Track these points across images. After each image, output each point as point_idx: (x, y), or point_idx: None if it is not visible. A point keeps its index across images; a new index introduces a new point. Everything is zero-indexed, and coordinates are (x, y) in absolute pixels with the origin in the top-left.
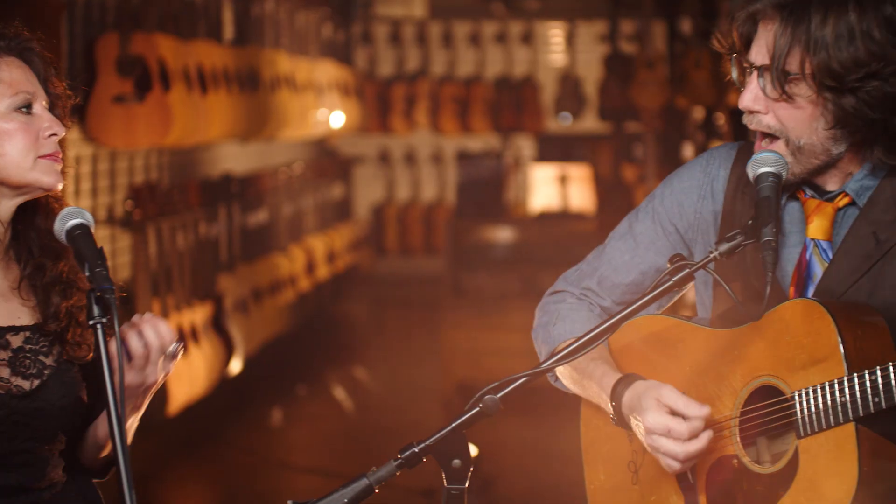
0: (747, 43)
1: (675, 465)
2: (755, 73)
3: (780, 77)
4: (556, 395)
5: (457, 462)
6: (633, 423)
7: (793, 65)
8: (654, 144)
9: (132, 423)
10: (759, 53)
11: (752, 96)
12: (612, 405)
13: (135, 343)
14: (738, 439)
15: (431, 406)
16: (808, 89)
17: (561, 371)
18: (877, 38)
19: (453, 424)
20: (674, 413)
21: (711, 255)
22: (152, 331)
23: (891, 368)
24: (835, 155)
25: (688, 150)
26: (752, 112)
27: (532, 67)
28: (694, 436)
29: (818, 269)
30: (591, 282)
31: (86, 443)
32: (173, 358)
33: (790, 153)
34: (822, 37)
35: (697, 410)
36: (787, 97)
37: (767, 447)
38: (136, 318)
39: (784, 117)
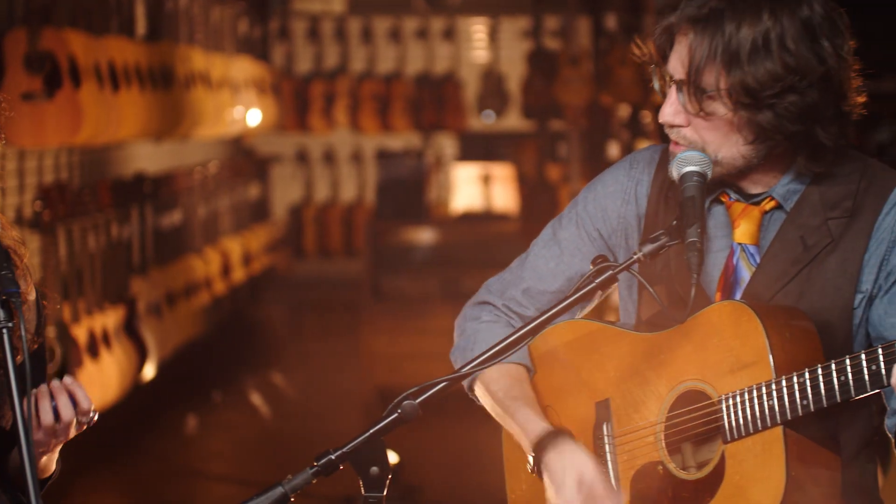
0: (665, 55)
1: None
2: (674, 87)
3: (696, 94)
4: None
5: (374, 469)
6: (549, 484)
7: (708, 81)
8: (578, 143)
9: (47, 461)
10: (677, 67)
11: (672, 111)
12: (532, 456)
13: (46, 416)
14: (664, 445)
15: (351, 412)
16: (724, 107)
17: (482, 397)
18: (793, 49)
19: (370, 431)
20: (591, 497)
21: (635, 257)
22: (67, 403)
23: (819, 371)
24: (755, 163)
25: (613, 149)
26: (672, 126)
27: (454, 64)
28: None
29: (745, 274)
30: (515, 291)
31: (10, 462)
32: (88, 424)
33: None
34: (736, 52)
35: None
36: (705, 114)
37: (694, 453)
38: (54, 383)
39: (703, 131)
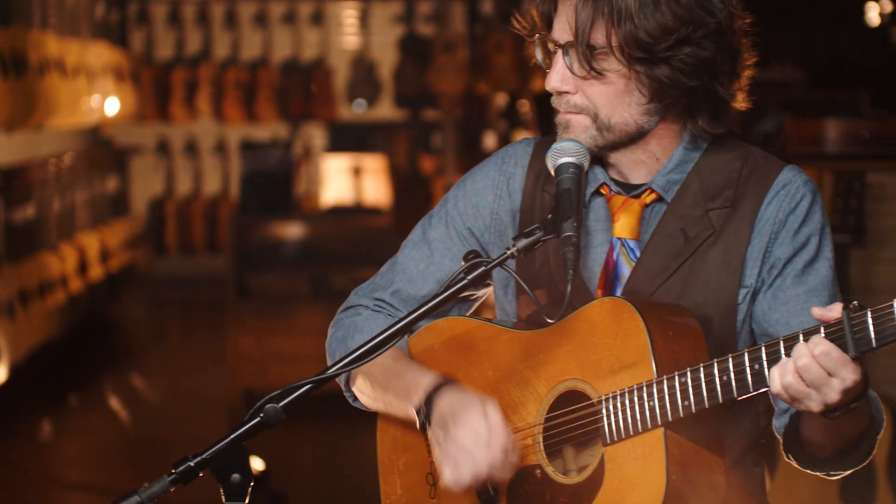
0: (549, 21)
1: (457, 486)
2: (560, 52)
3: (586, 53)
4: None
5: (236, 476)
6: (443, 426)
7: (598, 38)
8: (453, 133)
9: None
10: (563, 30)
11: (560, 77)
12: (424, 404)
13: None
14: (542, 448)
15: (215, 416)
16: (618, 63)
17: (361, 381)
18: (682, 1)
19: (231, 436)
20: (496, 429)
21: (509, 252)
22: None
23: (701, 370)
24: (646, 129)
25: (490, 140)
26: (560, 93)
27: (323, 50)
28: (495, 467)
29: (626, 270)
30: (384, 293)
31: None
32: None
33: (596, 128)
34: (625, 5)
35: (507, 441)
36: (597, 73)
37: (574, 456)
38: None
39: (594, 95)
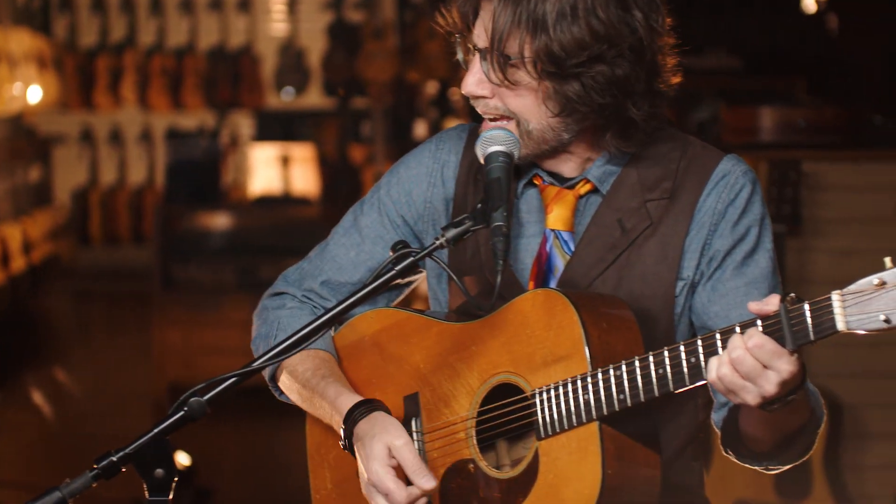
0: (469, 23)
1: None
2: (478, 56)
3: (500, 62)
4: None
5: (160, 471)
6: (360, 454)
7: (512, 48)
8: (383, 122)
9: None
10: (480, 35)
11: (476, 80)
12: (343, 429)
13: None
14: (475, 442)
15: (140, 411)
16: (528, 75)
17: (286, 385)
18: (602, 17)
19: (154, 430)
20: (400, 471)
21: (437, 242)
22: None
23: (637, 364)
24: (566, 140)
25: (420, 128)
26: (476, 97)
27: (251, 37)
28: None
29: (559, 262)
30: (314, 283)
31: None
32: None
33: (520, 136)
34: (542, 16)
35: (422, 481)
36: (510, 83)
37: (508, 450)
38: None
39: (510, 103)
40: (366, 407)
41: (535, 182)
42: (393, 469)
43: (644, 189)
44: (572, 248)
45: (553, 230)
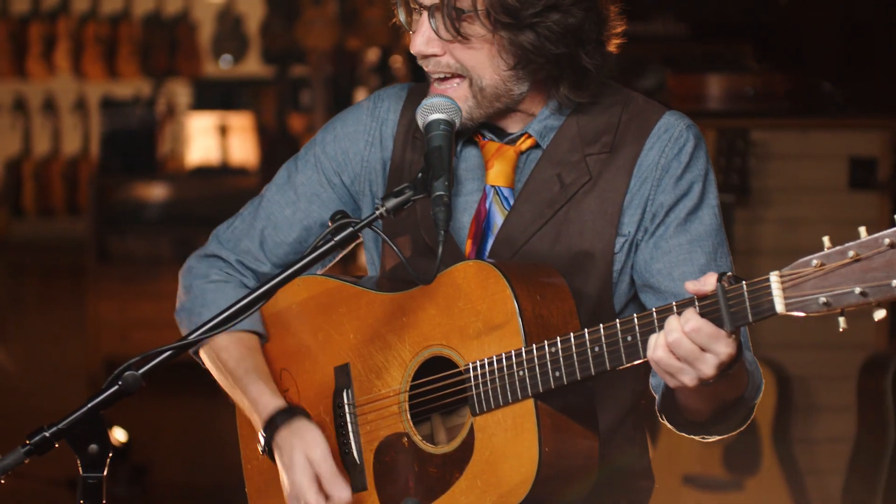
0: None
1: None
2: (426, 15)
3: (451, 16)
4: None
5: (94, 447)
6: (280, 464)
7: (464, 2)
8: (323, 90)
9: None
10: None
11: (425, 39)
12: (263, 436)
13: None
14: (409, 416)
15: (75, 386)
16: (482, 27)
17: (210, 365)
18: None
19: (88, 405)
20: (318, 481)
21: (377, 213)
22: None
23: (573, 341)
24: (517, 95)
25: (361, 96)
26: (426, 56)
27: (187, 4)
28: None
29: (499, 219)
30: (249, 243)
31: None
32: None
33: (472, 95)
34: None
35: (339, 493)
36: (462, 38)
37: (443, 424)
38: None
39: (462, 58)
40: (286, 414)
41: (475, 139)
42: (313, 480)
43: (584, 143)
44: (512, 204)
45: (493, 186)
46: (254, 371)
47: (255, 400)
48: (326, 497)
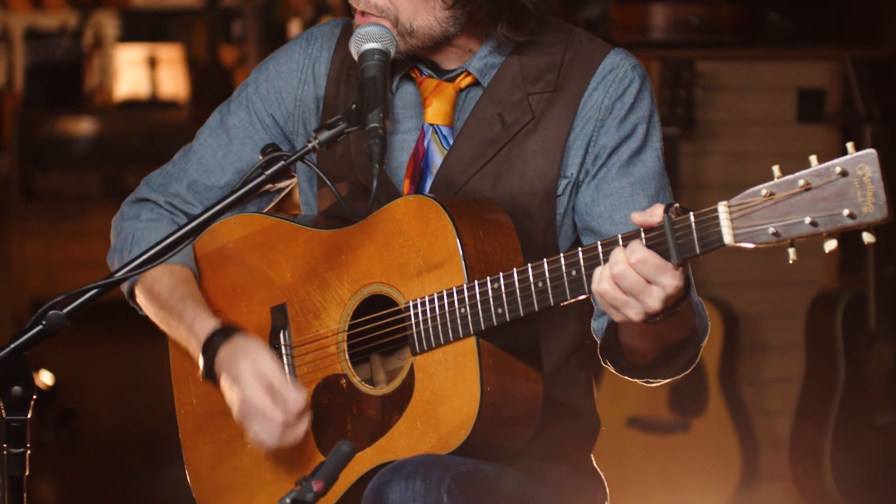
0: None
1: (263, 448)
2: None
3: None
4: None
5: (17, 389)
6: (226, 383)
7: None
8: (255, 21)
9: None
10: None
11: None
12: (202, 358)
13: None
14: (347, 357)
15: (1, 327)
16: None
17: (144, 301)
18: None
19: (11, 345)
20: (271, 389)
21: (310, 145)
22: None
23: (515, 277)
24: (451, 34)
25: (294, 28)
26: None
27: None
28: (289, 426)
29: (437, 158)
30: (179, 186)
31: None
32: None
33: (398, 35)
34: None
35: (295, 396)
36: None
37: (383, 365)
38: None
39: None
40: (223, 333)
41: (413, 75)
42: (266, 390)
43: (526, 82)
44: (451, 143)
45: (431, 125)
46: (189, 297)
47: (192, 324)
48: (281, 404)
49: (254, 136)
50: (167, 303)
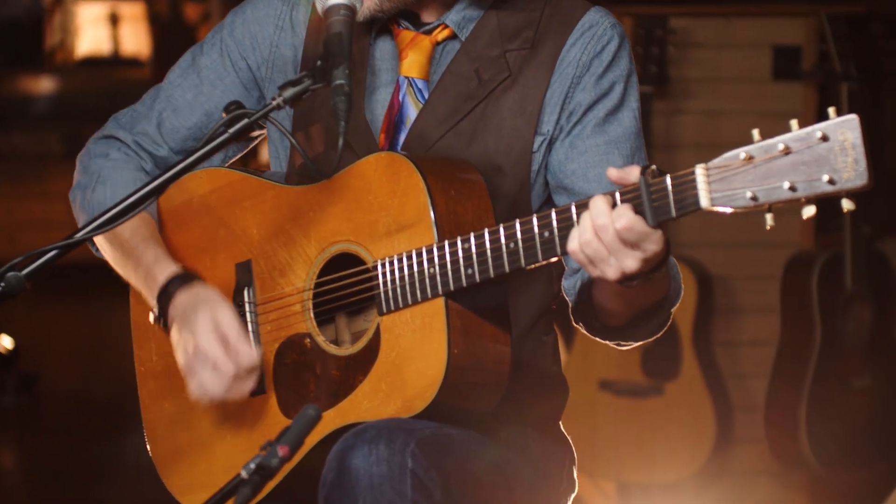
0: None
1: (205, 399)
2: None
3: None
4: (106, 271)
5: None
6: (177, 329)
7: None
8: None
9: None
10: None
11: None
12: (158, 302)
13: None
14: (312, 315)
15: None
16: None
17: (102, 245)
18: None
19: None
20: (226, 341)
21: (274, 102)
22: None
23: (487, 237)
24: None
25: None
26: None
27: None
28: (238, 379)
29: (412, 112)
30: (147, 125)
31: None
32: None
33: None
34: None
35: (248, 352)
36: None
37: (349, 325)
38: None
39: None
40: (183, 279)
41: (390, 28)
42: (220, 341)
43: (504, 38)
44: (427, 97)
45: (407, 77)
46: (151, 238)
47: (151, 266)
48: (234, 356)
49: (225, 78)
50: (127, 244)
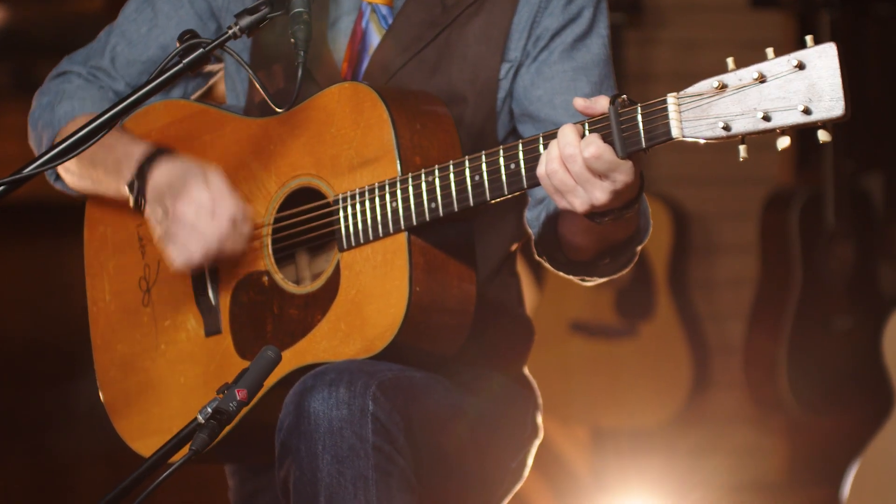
0: None
1: (195, 256)
2: None
3: None
4: (59, 209)
5: None
6: (159, 191)
7: None
8: None
9: None
10: None
11: None
12: (136, 179)
13: None
14: (270, 252)
15: None
16: None
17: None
18: None
19: None
20: (222, 194)
21: (230, 32)
22: None
23: (451, 169)
24: None
25: None
26: None
27: None
28: (236, 223)
29: (376, 40)
30: (102, 60)
31: None
32: None
33: None
34: None
35: (245, 205)
36: None
37: (309, 263)
38: None
39: None
40: (168, 153)
41: None
42: (215, 192)
43: None
44: (390, 24)
45: (370, 3)
46: (118, 134)
47: (128, 148)
48: (229, 202)
49: (180, 10)
50: (92, 152)
